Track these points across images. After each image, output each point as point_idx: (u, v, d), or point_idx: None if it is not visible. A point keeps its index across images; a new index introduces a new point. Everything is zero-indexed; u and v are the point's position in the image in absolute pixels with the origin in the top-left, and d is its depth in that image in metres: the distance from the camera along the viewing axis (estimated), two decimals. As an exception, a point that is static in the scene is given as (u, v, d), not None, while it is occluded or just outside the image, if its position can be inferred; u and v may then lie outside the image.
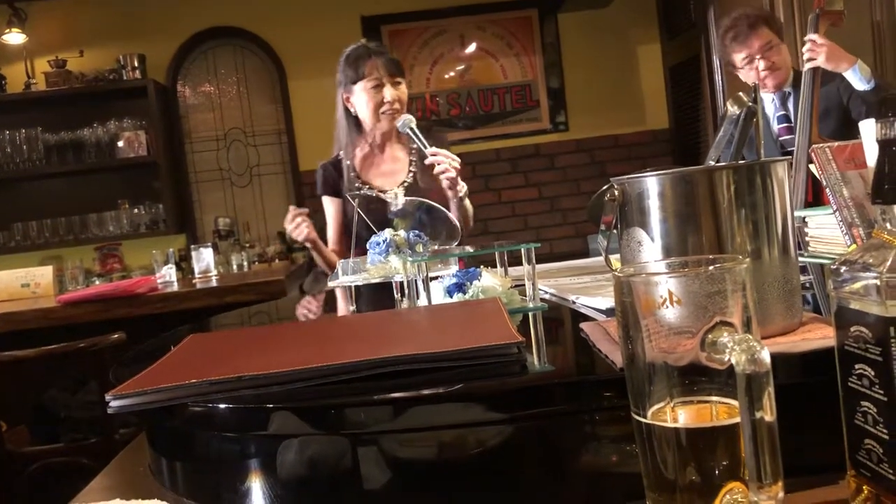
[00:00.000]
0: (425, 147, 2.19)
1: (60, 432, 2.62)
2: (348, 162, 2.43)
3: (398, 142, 2.46)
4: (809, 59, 2.52)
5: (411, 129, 2.21)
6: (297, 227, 2.28)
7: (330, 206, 2.49)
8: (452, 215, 1.99)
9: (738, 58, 2.82)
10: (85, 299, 3.07)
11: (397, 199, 2.24)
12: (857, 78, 2.52)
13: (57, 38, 5.08)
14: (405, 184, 2.38)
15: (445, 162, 2.19)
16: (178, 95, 5.29)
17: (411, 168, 2.43)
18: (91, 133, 4.99)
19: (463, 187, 2.27)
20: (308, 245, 2.39)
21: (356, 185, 2.39)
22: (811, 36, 2.52)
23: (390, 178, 2.43)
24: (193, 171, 5.34)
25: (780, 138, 2.83)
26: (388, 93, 2.33)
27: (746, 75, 2.86)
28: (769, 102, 2.87)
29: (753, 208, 0.83)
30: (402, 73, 2.39)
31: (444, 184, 2.23)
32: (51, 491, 2.43)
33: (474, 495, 0.77)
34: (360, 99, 2.37)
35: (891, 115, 0.58)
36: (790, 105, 2.80)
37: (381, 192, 2.35)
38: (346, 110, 2.43)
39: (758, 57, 2.76)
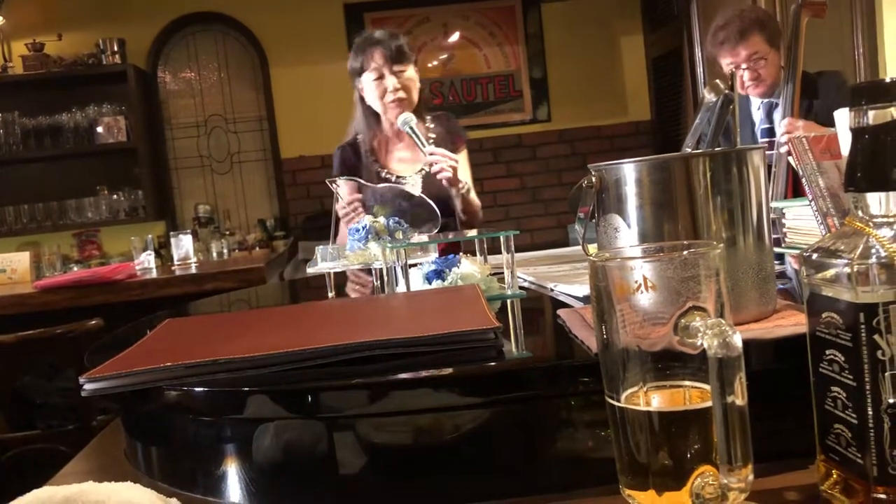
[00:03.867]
0: (423, 146, 2.20)
1: (36, 419, 2.60)
2: (366, 148, 2.44)
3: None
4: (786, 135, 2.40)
5: (410, 127, 2.22)
6: (349, 216, 2.20)
7: (345, 188, 2.44)
8: (432, 202, 1.99)
9: (724, 62, 2.76)
10: (62, 285, 3.05)
11: (415, 186, 2.24)
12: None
13: (35, 21, 5.01)
14: (422, 171, 2.37)
15: (442, 161, 2.20)
16: (158, 81, 5.24)
17: None
18: (69, 118, 4.93)
19: (465, 184, 2.28)
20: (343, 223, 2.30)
21: (375, 169, 2.39)
22: (785, 121, 2.48)
23: (408, 165, 2.43)
24: (173, 158, 5.30)
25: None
26: (390, 82, 2.33)
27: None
28: (755, 109, 2.81)
29: (729, 196, 0.84)
30: (403, 60, 2.35)
31: (444, 183, 2.23)
32: (27, 477, 2.41)
33: (449, 479, 0.77)
34: (368, 89, 2.38)
35: (864, 104, 0.59)
36: (776, 116, 2.70)
37: (399, 178, 2.38)
38: (361, 98, 2.44)
39: (743, 66, 2.69)
